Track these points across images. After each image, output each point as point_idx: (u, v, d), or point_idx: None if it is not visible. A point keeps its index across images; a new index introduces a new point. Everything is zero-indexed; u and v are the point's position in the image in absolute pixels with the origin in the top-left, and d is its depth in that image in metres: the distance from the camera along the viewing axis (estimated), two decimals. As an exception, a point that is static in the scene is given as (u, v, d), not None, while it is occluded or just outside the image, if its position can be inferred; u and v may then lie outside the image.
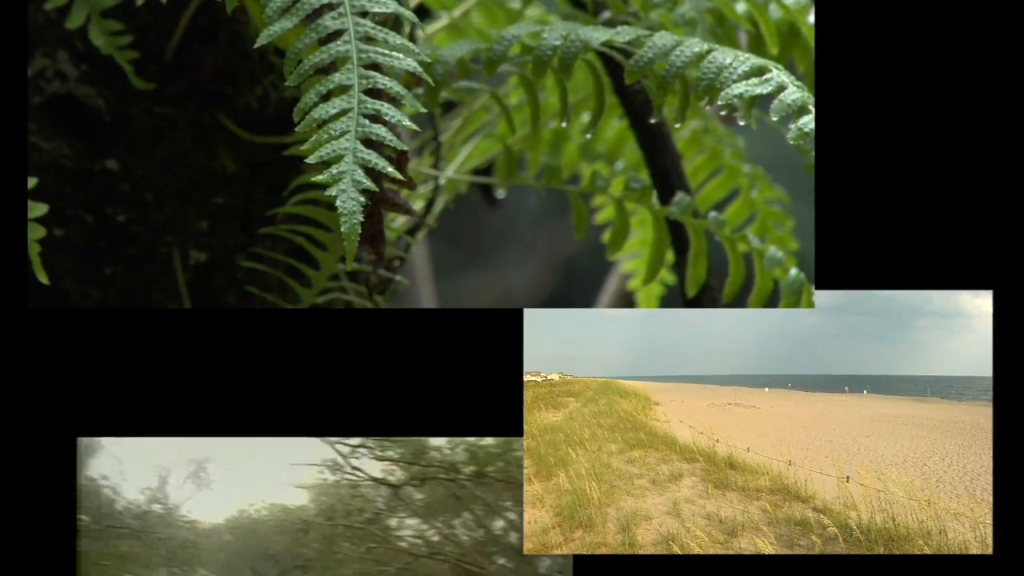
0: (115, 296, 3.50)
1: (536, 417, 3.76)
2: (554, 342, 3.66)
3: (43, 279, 3.03)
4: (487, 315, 3.41)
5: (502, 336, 3.39)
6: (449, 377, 3.39)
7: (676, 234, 3.63)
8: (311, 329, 3.35)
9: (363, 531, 3.60)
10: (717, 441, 4.80)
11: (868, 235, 3.43)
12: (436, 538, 3.70)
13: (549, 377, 4.61)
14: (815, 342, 4.20)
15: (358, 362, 3.37)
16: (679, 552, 3.44)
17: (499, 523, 3.65)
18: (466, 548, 3.66)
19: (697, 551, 3.45)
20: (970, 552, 3.36)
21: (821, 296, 3.50)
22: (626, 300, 4.44)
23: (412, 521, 3.65)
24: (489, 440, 3.46)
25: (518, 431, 3.44)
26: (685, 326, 4.05)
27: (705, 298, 3.63)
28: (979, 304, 3.45)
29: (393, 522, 3.65)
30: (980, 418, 3.47)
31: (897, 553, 3.39)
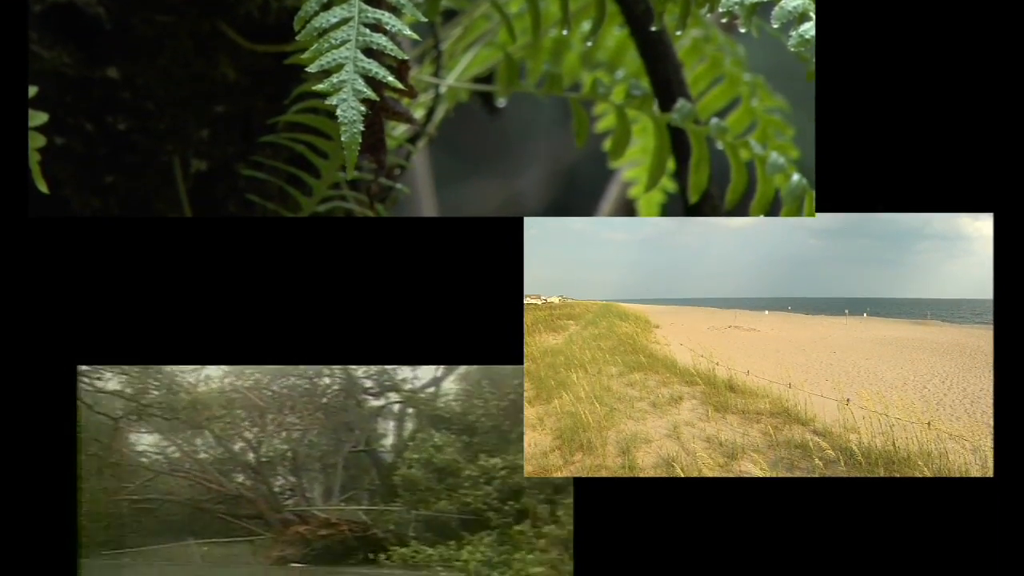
0: (115, 204, 3.49)
1: (536, 340, 3.75)
2: (554, 264, 3.65)
3: (43, 188, 3.02)
4: (488, 223, 3.40)
5: (503, 246, 3.38)
6: (449, 287, 3.39)
7: (677, 141, 3.60)
8: (311, 237, 3.36)
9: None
10: (717, 364, 4.80)
11: (868, 154, 3.41)
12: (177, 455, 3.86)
13: (549, 300, 4.60)
14: (815, 265, 4.19)
15: (358, 271, 3.37)
16: (679, 475, 3.45)
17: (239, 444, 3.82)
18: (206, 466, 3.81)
19: (697, 474, 3.45)
20: (970, 475, 3.37)
21: (821, 219, 3.48)
22: (627, 208, 4.41)
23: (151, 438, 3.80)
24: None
25: (518, 353, 3.44)
26: (684, 249, 4.03)
27: (706, 205, 3.61)
28: (979, 227, 3.44)
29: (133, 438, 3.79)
30: (980, 341, 3.46)
31: (898, 476, 3.40)
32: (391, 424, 3.97)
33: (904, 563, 3.31)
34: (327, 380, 3.85)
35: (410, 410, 3.93)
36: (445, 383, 3.89)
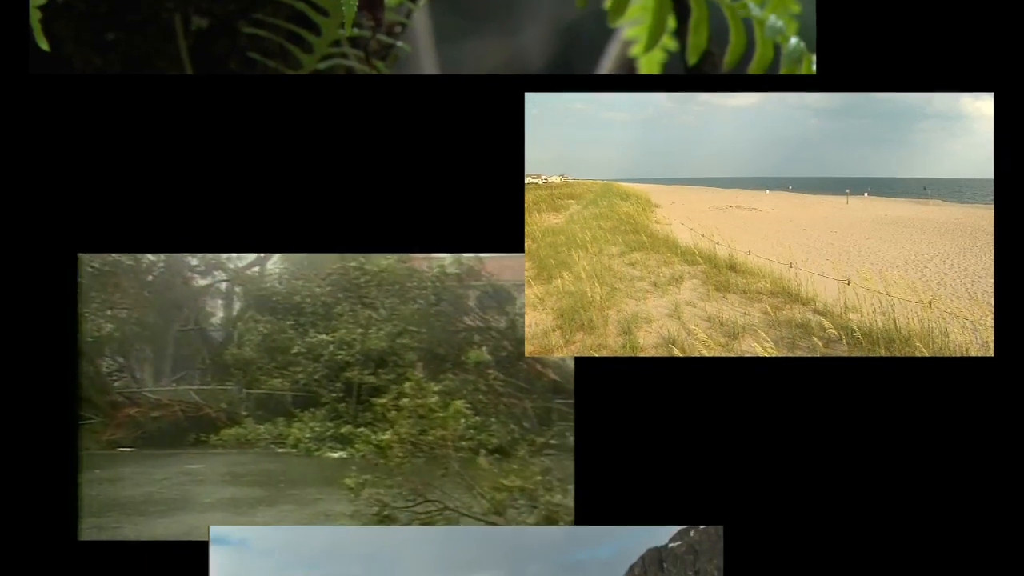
0: (116, 62, 3.48)
1: (537, 220, 3.74)
2: (555, 143, 3.63)
3: (44, 45, 3.01)
4: (488, 81, 3.39)
5: (503, 110, 3.37)
6: (449, 154, 3.38)
7: (677, 2, 3.60)
8: (312, 95, 3.36)
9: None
10: (718, 243, 4.80)
11: (869, 34, 3.38)
12: None
13: (550, 179, 4.58)
14: (816, 144, 4.16)
15: (359, 131, 3.37)
16: (680, 355, 3.46)
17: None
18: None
19: (698, 354, 3.46)
20: (971, 354, 3.37)
21: (822, 98, 3.46)
22: (628, 66, 4.37)
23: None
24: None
25: (518, 241, 3.43)
26: (686, 128, 4.00)
27: (706, 64, 3.60)
28: (980, 107, 3.42)
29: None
30: (981, 220, 3.45)
31: (899, 355, 3.40)
32: (219, 302, 3.96)
33: (905, 441, 3.33)
34: (151, 257, 3.81)
35: (237, 289, 3.92)
36: (268, 263, 3.90)
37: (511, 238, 3.37)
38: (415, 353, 3.75)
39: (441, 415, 3.52)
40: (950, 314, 3.54)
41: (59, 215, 3.37)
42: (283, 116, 3.37)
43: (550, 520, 3.36)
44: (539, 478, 3.43)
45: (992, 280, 3.36)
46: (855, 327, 3.51)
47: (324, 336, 3.82)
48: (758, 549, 3.35)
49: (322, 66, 3.45)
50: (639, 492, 3.35)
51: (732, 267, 4.48)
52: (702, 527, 3.29)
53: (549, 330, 3.69)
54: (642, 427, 3.35)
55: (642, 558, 3.32)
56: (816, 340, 3.50)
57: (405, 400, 3.52)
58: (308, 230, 3.38)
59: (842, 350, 3.45)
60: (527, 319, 3.53)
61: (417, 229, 3.38)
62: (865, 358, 3.39)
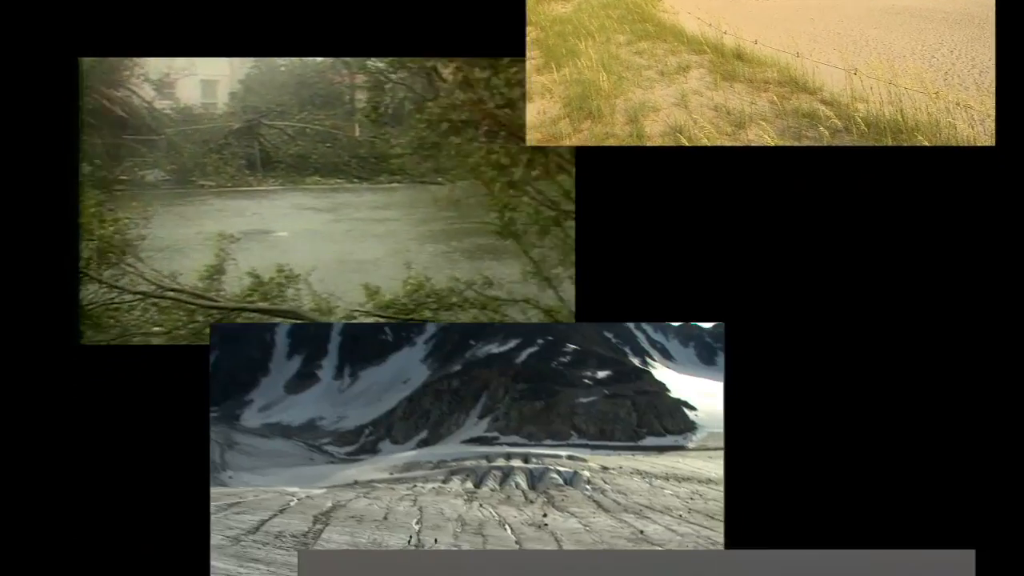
0: None
1: (544, 8, 3.72)
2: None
3: None
4: None
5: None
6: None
7: None
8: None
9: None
10: (725, 33, 4.76)
11: None
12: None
13: (558, -33, 4.53)
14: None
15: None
16: (686, 144, 3.47)
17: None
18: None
19: (705, 142, 3.48)
20: (977, 144, 3.39)
21: None
22: None
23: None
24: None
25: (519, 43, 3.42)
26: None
27: None
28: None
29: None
30: (989, 11, 3.44)
31: (905, 144, 3.42)
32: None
33: (909, 230, 3.37)
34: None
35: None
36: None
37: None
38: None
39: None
40: (957, 104, 3.54)
41: (59, 20, 3.36)
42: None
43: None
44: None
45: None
46: (861, 117, 3.52)
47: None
48: (759, 345, 3.41)
49: None
50: (641, 288, 3.40)
51: (739, 56, 4.45)
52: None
53: (557, 118, 3.70)
54: (647, 216, 3.38)
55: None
56: (822, 129, 3.50)
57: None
58: (302, 32, 3.37)
59: (848, 139, 3.46)
60: (534, 107, 3.53)
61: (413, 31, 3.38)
62: (871, 147, 3.41)
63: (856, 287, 3.37)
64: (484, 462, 4.55)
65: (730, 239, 3.36)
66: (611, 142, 3.52)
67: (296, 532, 3.70)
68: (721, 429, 3.42)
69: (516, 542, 3.74)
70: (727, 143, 3.48)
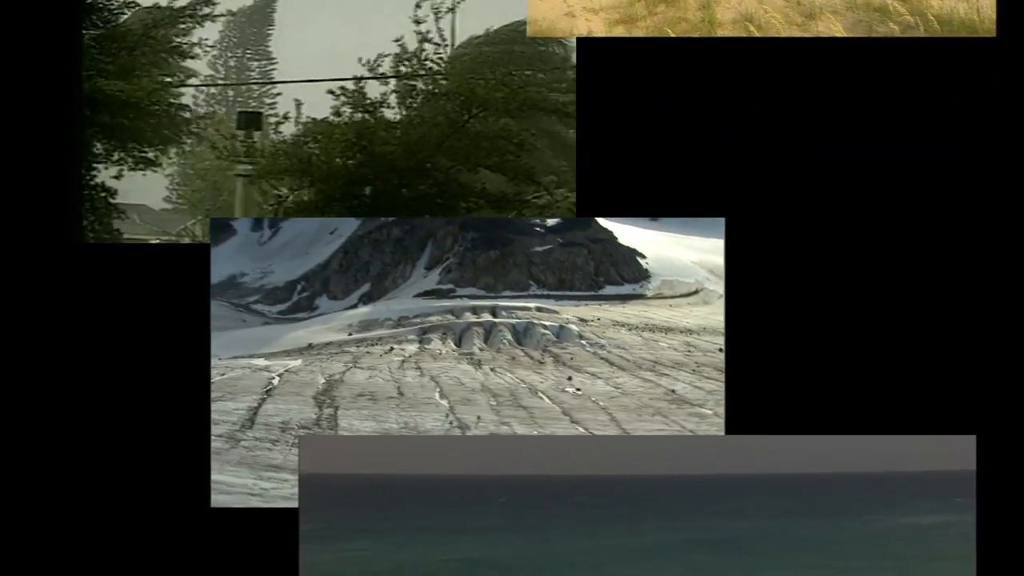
0: None
1: None
2: None
3: None
4: None
5: None
6: None
7: None
8: None
9: None
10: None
11: None
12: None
13: None
14: None
15: None
16: (756, 34, 3.49)
17: None
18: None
19: (775, 33, 3.49)
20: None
21: None
22: None
23: None
24: None
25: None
26: None
27: None
28: None
29: None
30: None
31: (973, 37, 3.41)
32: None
33: (930, 121, 3.38)
34: None
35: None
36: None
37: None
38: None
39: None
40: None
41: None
42: None
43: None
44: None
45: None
46: (932, 16, 3.51)
47: None
48: (760, 242, 3.44)
49: None
50: (647, 183, 3.41)
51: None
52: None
53: (634, 0, 3.71)
54: (721, 106, 3.41)
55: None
56: (892, 25, 3.50)
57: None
58: None
59: (918, 34, 3.46)
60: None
61: None
62: (942, 38, 3.40)
63: (867, 186, 3.39)
64: (451, 316, 4.12)
65: (800, 129, 3.39)
66: (682, 27, 3.53)
67: (306, 421, 3.08)
68: (673, 277, 3.38)
69: (564, 412, 3.58)
70: (796, 34, 3.48)
